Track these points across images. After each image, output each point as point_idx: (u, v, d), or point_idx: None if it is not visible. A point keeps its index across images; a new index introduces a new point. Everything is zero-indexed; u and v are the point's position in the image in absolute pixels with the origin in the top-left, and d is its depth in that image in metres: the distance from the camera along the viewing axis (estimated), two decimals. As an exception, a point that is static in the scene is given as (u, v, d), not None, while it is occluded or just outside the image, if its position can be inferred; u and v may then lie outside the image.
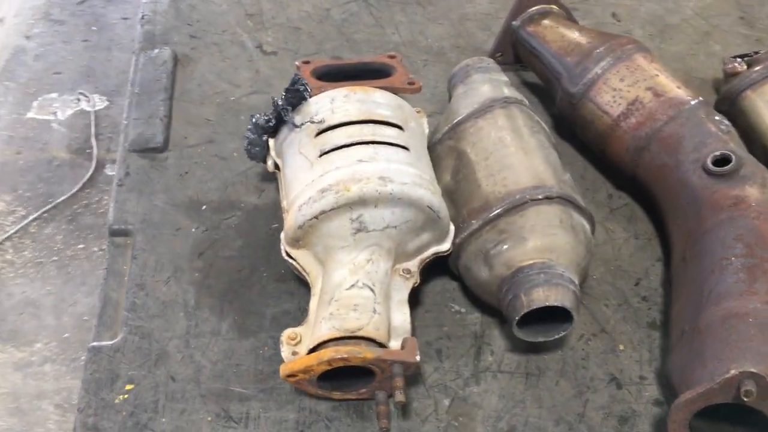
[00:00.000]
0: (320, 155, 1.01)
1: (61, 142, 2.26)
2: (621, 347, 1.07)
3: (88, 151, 2.29)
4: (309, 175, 1.00)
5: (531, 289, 0.96)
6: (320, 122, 1.05)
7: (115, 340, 1.04)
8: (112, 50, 2.77)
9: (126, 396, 0.99)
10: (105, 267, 1.14)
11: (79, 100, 2.45)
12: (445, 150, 1.14)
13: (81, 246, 2.11)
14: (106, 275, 1.13)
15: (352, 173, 0.97)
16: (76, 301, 1.92)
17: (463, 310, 1.10)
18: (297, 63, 1.23)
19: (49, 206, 2.03)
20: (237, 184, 1.25)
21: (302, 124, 1.06)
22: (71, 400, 1.63)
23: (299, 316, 1.06)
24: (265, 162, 1.16)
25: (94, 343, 1.04)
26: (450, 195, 1.10)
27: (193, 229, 1.18)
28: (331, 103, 1.07)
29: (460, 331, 1.08)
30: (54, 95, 2.48)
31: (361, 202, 0.96)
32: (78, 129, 2.32)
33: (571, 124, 1.31)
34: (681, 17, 1.63)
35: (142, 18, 1.52)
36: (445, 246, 1.05)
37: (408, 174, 0.99)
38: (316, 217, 0.97)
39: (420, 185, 0.99)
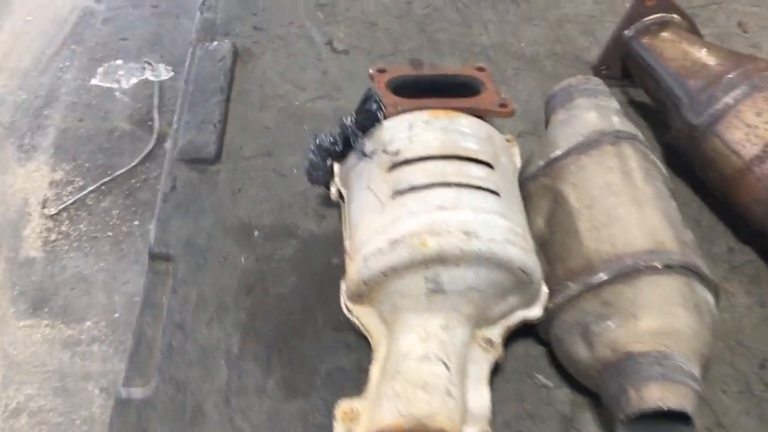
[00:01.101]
0: (393, 195, 0.85)
1: (123, 113, 2.19)
2: (741, 447, 0.89)
3: (149, 123, 2.21)
4: (379, 219, 0.84)
5: (644, 385, 0.77)
6: (395, 153, 0.88)
7: (147, 391, 0.91)
8: (180, 18, 2.67)
9: (154, 459, 0.86)
10: (141, 297, 1.01)
11: (144, 68, 2.38)
12: (538, 188, 0.96)
13: (136, 222, 2.03)
14: (142, 307, 1.00)
15: (430, 224, 0.80)
16: (128, 280, 1.85)
17: (550, 384, 0.93)
18: (371, 71, 1.06)
19: (108, 179, 1.98)
20: (294, 206, 1.09)
21: (373, 153, 0.90)
22: (117, 384, 1.57)
23: (357, 376, 0.90)
24: (327, 187, 1.00)
25: (123, 393, 0.91)
26: (542, 245, 0.92)
27: (243, 259, 1.04)
28: (409, 131, 0.90)
29: (545, 411, 0.91)
30: (119, 62, 2.41)
31: (440, 259, 0.80)
32: (141, 99, 2.25)
33: (687, 159, 1.11)
34: (821, 29, 1.39)
35: (203, 4, 1.37)
36: (535, 312, 0.88)
37: (498, 228, 0.82)
38: (384, 273, 0.81)
39: (512, 242, 0.81)
